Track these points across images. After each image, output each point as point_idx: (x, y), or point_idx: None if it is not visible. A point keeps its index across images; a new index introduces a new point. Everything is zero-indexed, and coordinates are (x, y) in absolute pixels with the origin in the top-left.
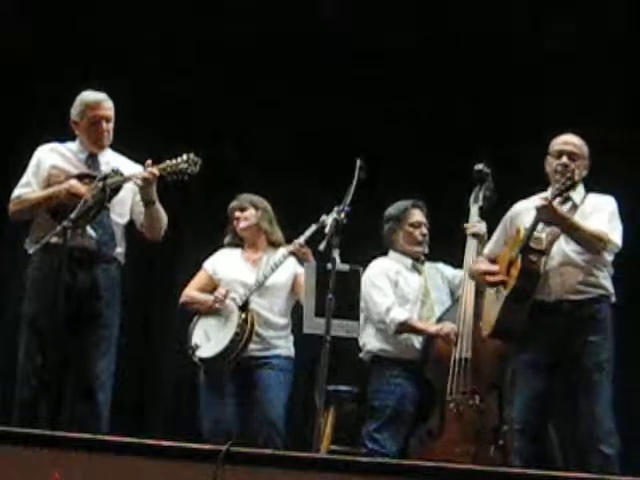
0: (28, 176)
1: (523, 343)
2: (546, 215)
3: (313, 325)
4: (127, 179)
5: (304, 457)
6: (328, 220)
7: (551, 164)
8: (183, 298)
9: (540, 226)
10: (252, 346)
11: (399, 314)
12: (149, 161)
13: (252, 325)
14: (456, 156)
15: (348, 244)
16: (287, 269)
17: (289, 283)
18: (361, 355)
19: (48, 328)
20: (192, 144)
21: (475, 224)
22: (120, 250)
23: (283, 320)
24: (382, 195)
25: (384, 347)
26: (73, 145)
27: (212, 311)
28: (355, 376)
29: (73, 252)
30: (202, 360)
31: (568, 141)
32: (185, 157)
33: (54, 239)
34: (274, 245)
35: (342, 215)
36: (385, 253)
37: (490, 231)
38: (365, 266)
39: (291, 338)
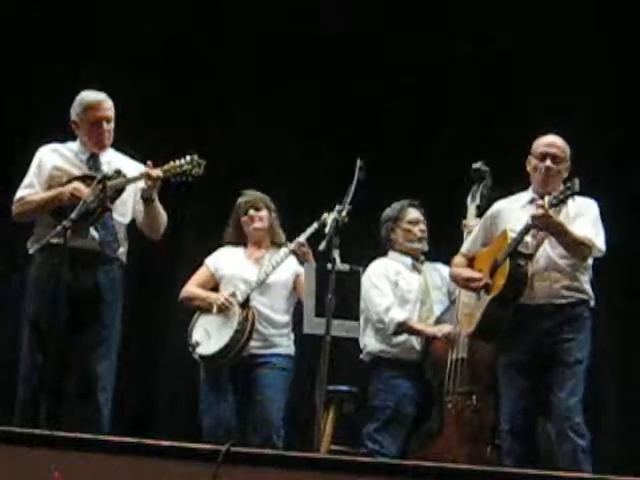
0: (30, 177)
1: (506, 344)
2: (542, 223)
3: (313, 325)
4: (130, 181)
5: (304, 457)
6: (329, 218)
7: (534, 166)
8: (183, 294)
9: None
10: (252, 344)
11: (398, 314)
12: (149, 162)
13: (253, 323)
14: (454, 155)
15: (348, 244)
16: (288, 268)
17: (290, 281)
18: (361, 356)
19: (49, 328)
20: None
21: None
22: (123, 250)
23: (284, 318)
24: (382, 195)
25: (384, 348)
26: (74, 145)
27: (212, 308)
28: (355, 376)
29: (76, 254)
30: (202, 357)
31: (552, 143)
32: (189, 158)
33: (55, 239)
34: (276, 244)
35: (343, 214)
36: (385, 254)
37: None
38: (365, 266)
39: (292, 336)
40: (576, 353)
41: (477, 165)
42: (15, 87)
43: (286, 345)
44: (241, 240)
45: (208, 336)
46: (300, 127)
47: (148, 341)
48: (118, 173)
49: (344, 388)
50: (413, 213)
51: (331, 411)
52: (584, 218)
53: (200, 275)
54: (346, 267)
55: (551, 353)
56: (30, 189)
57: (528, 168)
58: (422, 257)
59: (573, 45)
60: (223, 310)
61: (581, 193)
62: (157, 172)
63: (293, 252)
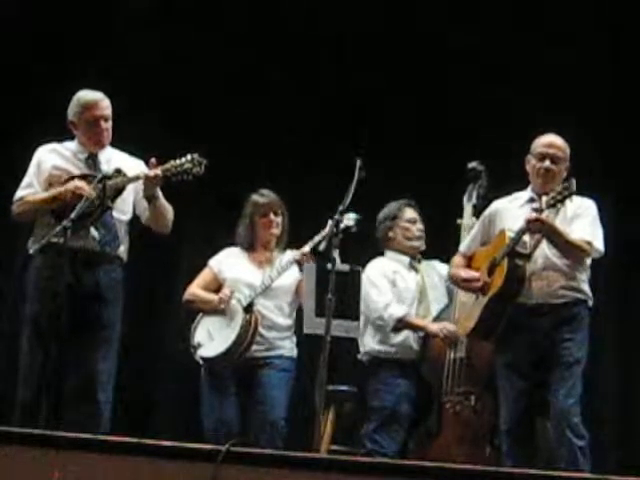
0: (30, 177)
1: (503, 344)
2: (535, 227)
3: (313, 325)
4: (130, 180)
5: (304, 457)
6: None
7: (533, 165)
8: (187, 296)
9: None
10: (255, 347)
11: (397, 310)
12: (153, 160)
13: (256, 327)
14: (450, 154)
15: (348, 244)
16: (292, 272)
17: (293, 286)
18: (359, 357)
19: (49, 328)
20: (192, 143)
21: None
22: (123, 248)
23: (287, 321)
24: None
25: (382, 348)
26: (72, 145)
27: (216, 310)
28: (355, 376)
29: (76, 254)
30: (204, 359)
31: (551, 143)
32: (190, 157)
33: (55, 239)
34: (281, 247)
35: (343, 216)
36: (381, 253)
37: None
38: (365, 266)
39: (294, 339)
40: (574, 353)
41: (473, 164)
42: (15, 87)
43: (289, 348)
44: (252, 241)
45: (210, 338)
46: (300, 127)
47: (148, 341)
48: (118, 172)
49: (344, 388)
50: (411, 213)
51: (331, 411)
52: (582, 219)
53: (204, 277)
54: (346, 267)
55: (549, 353)
56: (30, 189)
57: (527, 167)
58: (419, 256)
59: (573, 45)
60: (222, 303)
61: (580, 193)
62: (157, 172)
63: (297, 262)
